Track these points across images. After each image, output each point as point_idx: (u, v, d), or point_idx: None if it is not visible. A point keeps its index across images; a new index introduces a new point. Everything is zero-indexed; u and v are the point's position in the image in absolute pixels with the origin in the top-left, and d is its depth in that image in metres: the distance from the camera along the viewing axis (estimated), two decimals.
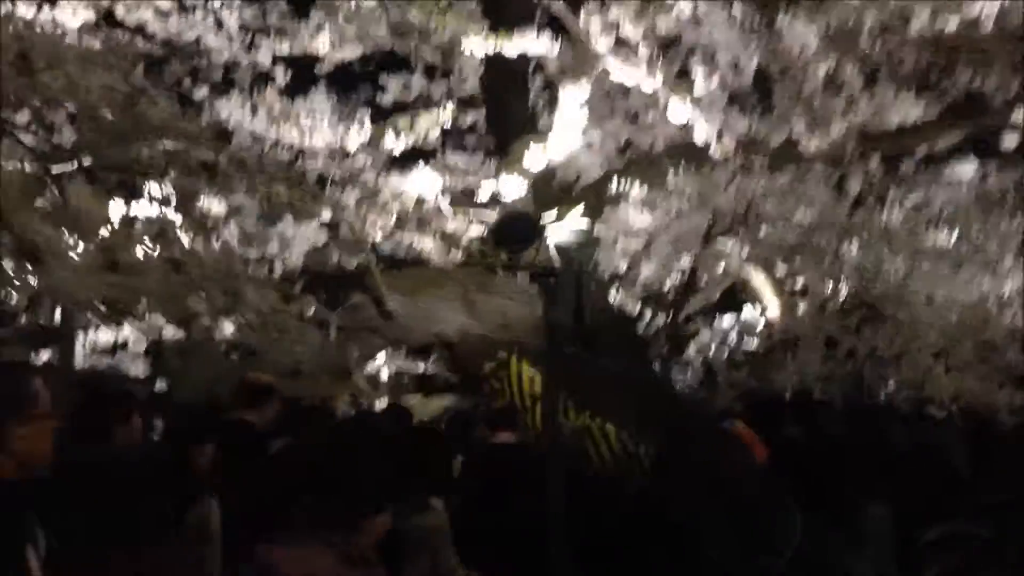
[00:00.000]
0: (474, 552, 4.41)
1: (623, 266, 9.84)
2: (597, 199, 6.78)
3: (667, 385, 7.74)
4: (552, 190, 6.48)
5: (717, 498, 2.54)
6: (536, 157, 4.92)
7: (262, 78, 7.46)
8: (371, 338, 6.58)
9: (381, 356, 6.94)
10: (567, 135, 4.74)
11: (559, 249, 5.37)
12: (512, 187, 5.28)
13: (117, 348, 6.73)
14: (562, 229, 5.03)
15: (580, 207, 5.31)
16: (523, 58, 5.63)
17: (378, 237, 7.10)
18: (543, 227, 4.51)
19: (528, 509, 4.82)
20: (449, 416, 5.40)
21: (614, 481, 5.65)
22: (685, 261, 8.81)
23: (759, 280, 9.98)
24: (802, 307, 9.53)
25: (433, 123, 7.57)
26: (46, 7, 6.17)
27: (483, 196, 5.76)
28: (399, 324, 6.41)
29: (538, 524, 4.64)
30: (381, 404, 8.71)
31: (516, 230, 4.52)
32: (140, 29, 7.15)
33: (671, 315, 10.55)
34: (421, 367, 7.73)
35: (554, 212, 5.54)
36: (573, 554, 4.52)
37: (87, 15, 6.53)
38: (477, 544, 4.52)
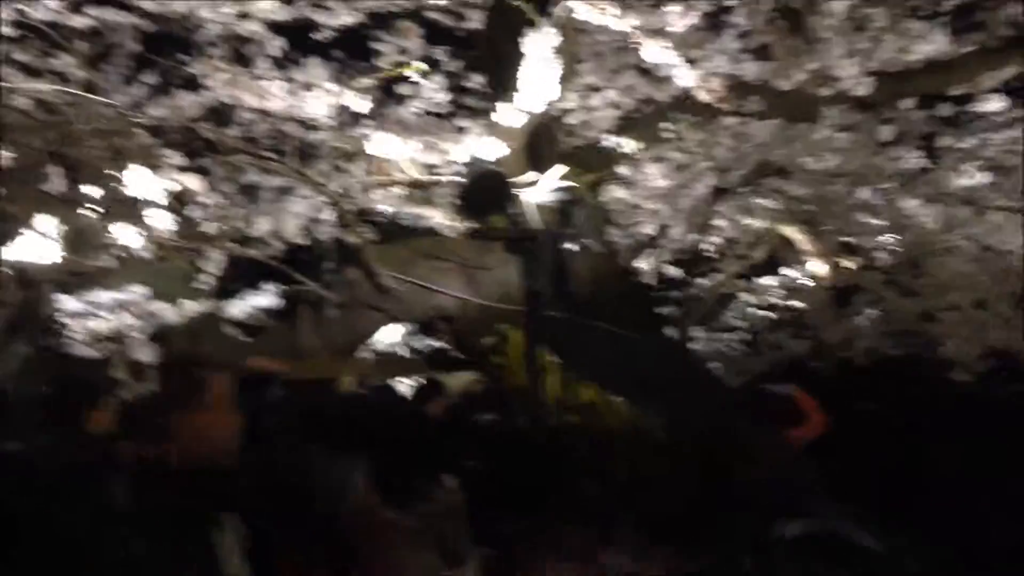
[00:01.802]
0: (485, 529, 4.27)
1: (646, 229, 9.47)
2: (601, 159, 6.43)
3: (684, 356, 7.39)
4: (548, 152, 6.16)
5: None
6: (509, 113, 4.59)
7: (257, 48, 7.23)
8: (369, 314, 6.35)
9: (385, 332, 6.69)
10: (538, 86, 4.40)
11: (539, 211, 5.07)
12: (490, 149, 4.97)
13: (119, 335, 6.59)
14: (540, 190, 4.73)
15: (560, 168, 5.01)
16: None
17: (384, 208, 6.85)
18: (511, 189, 4.21)
19: (528, 483, 4.62)
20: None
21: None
22: (713, 220, 8.39)
23: (797, 237, 9.51)
24: (845, 264, 9.06)
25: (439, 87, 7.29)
26: None
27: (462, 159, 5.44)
28: (395, 298, 6.16)
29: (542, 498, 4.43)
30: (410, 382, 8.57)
31: (484, 192, 4.23)
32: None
33: (703, 278, 10.15)
34: (430, 343, 7.48)
35: (532, 174, 5.25)
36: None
37: None
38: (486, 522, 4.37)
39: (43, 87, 6.35)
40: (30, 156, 2.91)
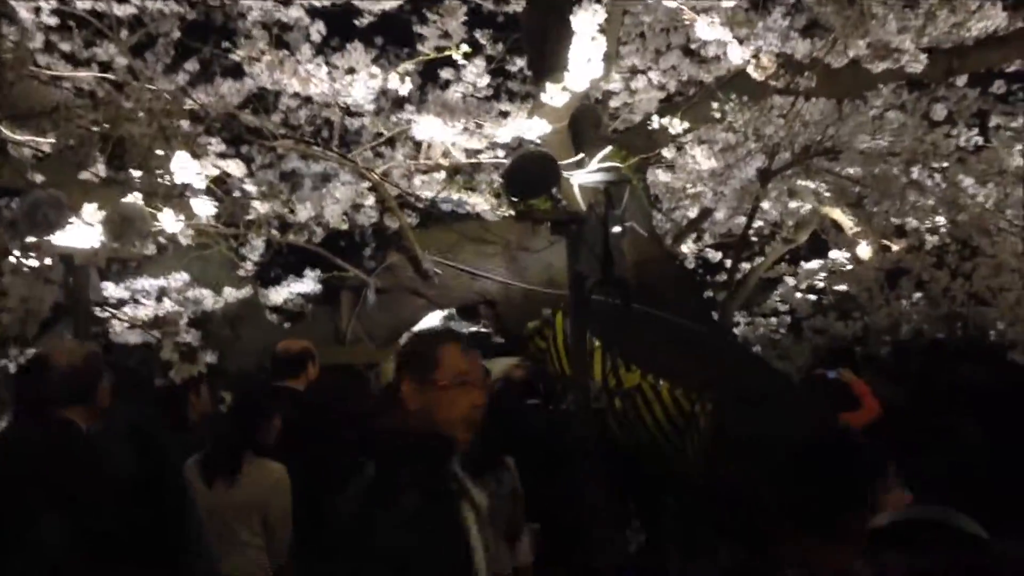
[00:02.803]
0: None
1: (693, 212, 9.35)
2: (647, 141, 6.32)
3: (730, 340, 7.27)
4: (592, 134, 6.06)
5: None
6: (555, 93, 4.51)
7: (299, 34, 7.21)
8: (411, 299, 6.30)
9: (428, 319, 6.65)
10: (585, 65, 4.32)
11: (584, 193, 4.98)
12: (537, 129, 4.89)
13: (162, 320, 6.62)
14: (585, 172, 4.64)
15: (608, 149, 4.91)
16: None
17: (426, 194, 6.81)
18: (558, 171, 4.13)
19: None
20: None
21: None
22: (760, 204, 8.24)
23: (843, 219, 9.35)
24: (893, 246, 8.89)
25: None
26: None
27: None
28: (437, 283, 6.11)
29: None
30: None
31: (530, 174, 4.15)
32: None
33: (749, 261, 10.02)
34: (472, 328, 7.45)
35: (578, 156, 5.16)
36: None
37: None
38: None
39: (86, 75, 6.39)
40: (77, 138, 2.89)
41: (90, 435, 2.81)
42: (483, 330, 7.48)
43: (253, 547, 3.57)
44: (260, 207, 6.37)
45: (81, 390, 2.80)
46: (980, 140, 7.20)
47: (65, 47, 6.88)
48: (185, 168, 5.30)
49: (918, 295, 8.54)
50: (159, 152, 4.29)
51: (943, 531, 1.57)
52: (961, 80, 7.43)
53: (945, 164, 6.63)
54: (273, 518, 3.57)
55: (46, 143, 5.34)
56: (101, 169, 5.81)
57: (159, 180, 4.66)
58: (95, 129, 3.13)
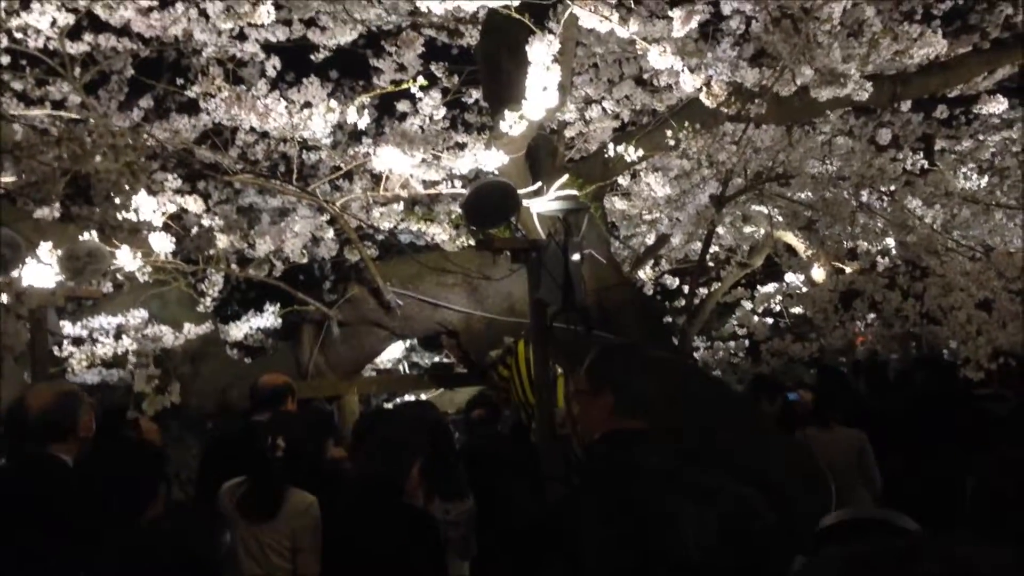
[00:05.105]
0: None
1: (650, 239, 9.47)
2: (603, 169, 6.41)
3: (690, 365, 7.34)
4: (548, 164, 6.13)
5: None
6: (513, 122, 4.56)
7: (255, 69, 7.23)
8: (373, 331, 6.30)
9: (390, 350, 6.64)
10: (542, 94, 4.38)
11: (543, 222, 5.04)
12: (495, 160, 4.94)
13: (121, 358, 6.54)
14: (544, 201, 4.70)
15: (564, 177, 4.98)
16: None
17: (385, 225, 6.83)
18: (517, 200, 4.18)
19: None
20: None
21: None
22: (716, 229, 8.37)
23: (796, 243, 9.53)
24: (846, 268, 9.06)
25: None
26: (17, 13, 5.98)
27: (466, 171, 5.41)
28: (399, 314, 6.12)
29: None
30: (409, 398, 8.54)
31: (490, 203, 4.20)
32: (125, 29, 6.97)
33: (706, 286, 10.15)
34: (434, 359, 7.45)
35: (536, 185, 5.22)
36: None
37: (65, 18, 6.32)
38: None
39: (40, 113, 6.35)
40: (40, 174, 2.90)
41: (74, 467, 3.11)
42: (445, 360, 7.48)
43: (282, 571, 3.71)
44: (220, 242, 6.35)
45: (58, 428, 3.11)
46: (925, 163, 7.40)
47: (17, 86, 6.83)
48: (143, 204, 5.28)
49: (872, 316, 8.70)
50: (125, 187, 4.28)
51: (881, 526, 1.65)
52: (905, 106, 7.65)
53: (892, 187, 6.80)
54: (303, 543, 3.71)
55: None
56: (55, 207, 5.77)
57: (118, 216, 4.63)
58: (55, 166, 3.12)
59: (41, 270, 5.01)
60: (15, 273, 4.28)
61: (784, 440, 4.87)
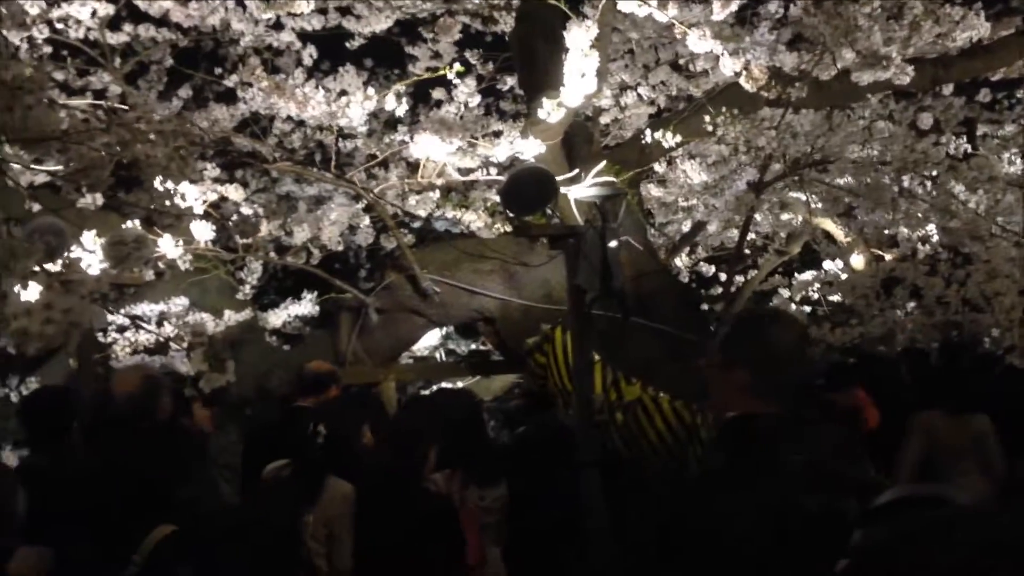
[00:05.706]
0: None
1: (686, 226, 9.41)
2: (640, 155, 6.37)
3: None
4: (585, 150, 6.11)
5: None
6: (551, 109, 4.55)
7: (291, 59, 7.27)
8: (410, 318, 6.32)
9: (427, 337, 6.66)
10: (580, 80, 4.36)
11: (580, 208, 5.02)
12: (531, 147, 4.93)
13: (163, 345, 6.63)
14: (581, 187, 4.68)
15: (601, 164, 4.96)
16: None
17: (421, 212, 6.86)
18: (555, 187, 4.17)
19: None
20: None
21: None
22: (753, 216, 8.30)
23: (835, 230, 9.41)
24: (886, 255, 8.94)
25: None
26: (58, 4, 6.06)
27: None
28: (436, 301, 6.13)
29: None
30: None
31: (528, 190, 4.19)
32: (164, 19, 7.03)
33: (743, 274, 10.07)
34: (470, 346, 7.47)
35: (573, 172, 5.20)
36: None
37: (105, 8, 6.38)
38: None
39: (81, 103, 6.42)
40: (89, 161, 2.93)
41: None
42: (482, 348, 7.50)
43: (319, 556, 3.80)
44: (257, 230, 6.40)
45: (144, 411, 3.38)
46: (968, 148, 7.28)
47: (59, 76, 6.92)
48: (185, 192, 5.33)
49: (912, 304, 8.58)
50: (176, 173, 4.33)
51: (936, 503, 1.63)
52: (947, 89, 7.53)
53: (935, 172, 6.69)
54: (339, 530, 3.79)
55: (43, 170, 5.36)
56: (98, 196, 5.84)
57: (165, 204, 4.69)
58: (104, 152, 3.15)
59: (86, 258, 5.08)
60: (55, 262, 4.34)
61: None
